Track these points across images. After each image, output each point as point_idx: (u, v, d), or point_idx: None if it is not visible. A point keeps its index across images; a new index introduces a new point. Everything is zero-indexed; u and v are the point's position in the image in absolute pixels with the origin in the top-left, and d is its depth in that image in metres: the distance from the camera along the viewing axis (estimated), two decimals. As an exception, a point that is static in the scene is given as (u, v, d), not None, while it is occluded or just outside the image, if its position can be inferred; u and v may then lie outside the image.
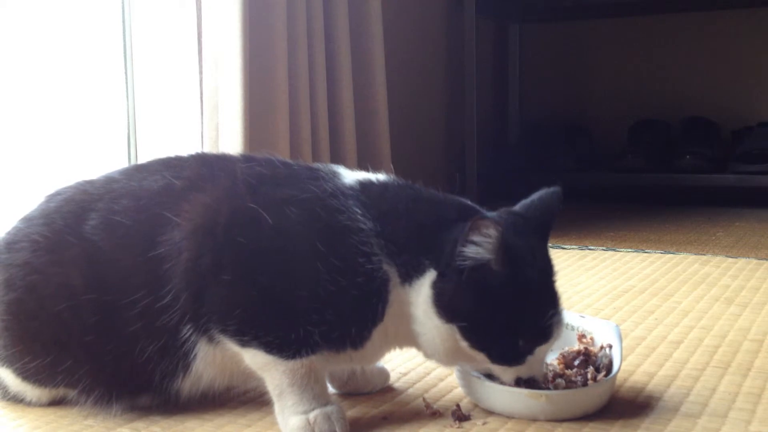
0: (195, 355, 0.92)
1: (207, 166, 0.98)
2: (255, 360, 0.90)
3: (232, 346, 0.91)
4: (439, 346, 0.91)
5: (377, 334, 0.92)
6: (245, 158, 0.99)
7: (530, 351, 0.91)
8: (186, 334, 0.91)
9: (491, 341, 0.89)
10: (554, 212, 0.96)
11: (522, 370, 0.92)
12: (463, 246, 0.86)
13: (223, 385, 0.98)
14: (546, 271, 0.93)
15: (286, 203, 0.91)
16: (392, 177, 0.98)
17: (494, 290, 0.88)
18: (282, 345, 0.88)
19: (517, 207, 0.98)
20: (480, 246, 0.86)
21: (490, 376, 0.96)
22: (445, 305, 0.88)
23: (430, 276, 0.89)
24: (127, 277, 0.92)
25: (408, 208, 0.93)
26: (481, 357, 0.90)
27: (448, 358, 0.92)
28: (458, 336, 0.89)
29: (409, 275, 0.90)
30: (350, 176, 0.96)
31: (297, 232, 0.89)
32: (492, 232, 0.85)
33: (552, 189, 0.98)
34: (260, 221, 0.89)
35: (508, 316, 0.89)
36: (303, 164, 0.99)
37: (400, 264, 0.90)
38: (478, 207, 0.96)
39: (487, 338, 0.89)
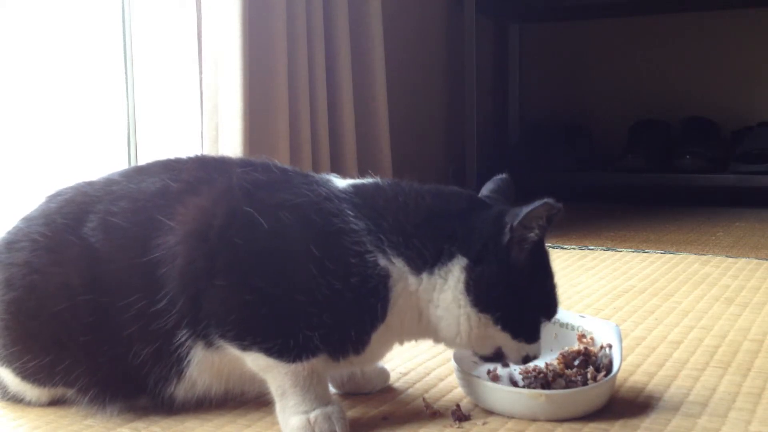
0: (189, 361, 0.92)
1: (204, 169, 0.98)
2: (257, 363, 0.90)
3: (233, 350, 0.91)
4: (464, 331, 0.92)
5: (379, 335, 0.92)
6: (243, 163, 0.99)
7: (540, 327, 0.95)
8: (181, 338, 0.91)
9: (522, 320, 0.93)
10: (512, 197, 1.01)
11: (531, 348, 0.94)
12: (529, 230, 0.89)
13: (220, 391, 0.98)
14: None
15: (281, 207, 0.91)
16: (381, 178, 0.99)
17: (535, 268, 0.92)
18: (282, 349, 0.88)
19: (486, 192, 1.01)
20: (539, 229, 0.90)
21: (490, 360, 0.97)
22: (483, 292, 0.90)
23: (459, 262, 0.90)
24: (123, 280, 0.92)
25: (409, 199, 0.93)
26: (504, 336, 0.92)
27: (471, 342, 0.93)
28: (491, 322, 0.91)
29: (427, 263, 0.90)
30: (343, 181, 0.97)
31: (292, 237, 0.89)
32: (555, 212, 0.88)
33: (503, 176, 1.05)
34: (255, 225, 0.89)
35: (539, 292, 0.94)
36: (298, 170, 1.00)
37: (411, 252, 0.90)
38: (476, 194, 0.99)
39: (519, 318, 0.92)
